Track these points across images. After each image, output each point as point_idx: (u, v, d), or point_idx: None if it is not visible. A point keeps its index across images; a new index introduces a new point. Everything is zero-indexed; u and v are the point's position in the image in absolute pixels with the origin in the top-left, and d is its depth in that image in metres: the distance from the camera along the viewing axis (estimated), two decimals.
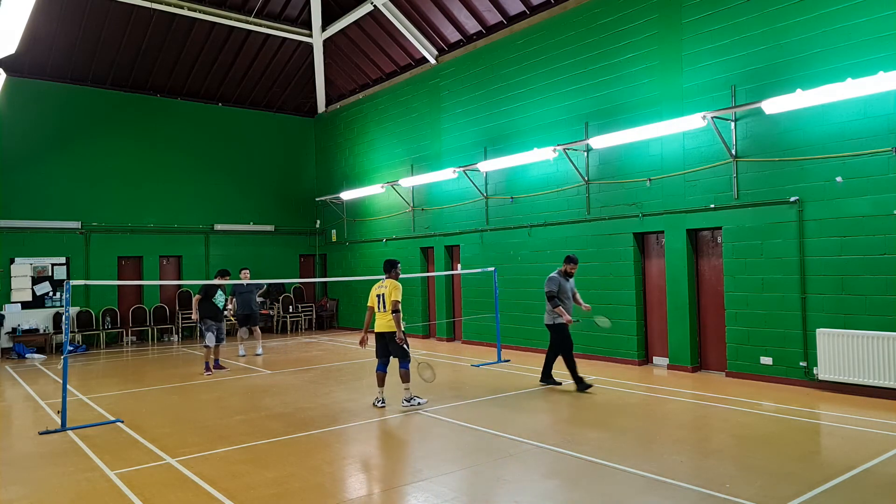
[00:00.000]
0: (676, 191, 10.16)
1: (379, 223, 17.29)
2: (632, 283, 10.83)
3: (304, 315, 18.77)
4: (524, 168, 12.63)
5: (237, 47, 17.14)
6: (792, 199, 8.72)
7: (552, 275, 9.13)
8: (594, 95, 11.38)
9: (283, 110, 19.69)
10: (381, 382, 8.11)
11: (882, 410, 7.24)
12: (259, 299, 13.80)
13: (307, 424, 7.38)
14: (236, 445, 6.56)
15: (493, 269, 12.11)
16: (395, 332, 7.89)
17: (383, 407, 8.04)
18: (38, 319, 15.25)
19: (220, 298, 11.44)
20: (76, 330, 15.44)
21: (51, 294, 15.54)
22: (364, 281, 17.42)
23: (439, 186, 14.88)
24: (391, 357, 8.13)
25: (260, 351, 13.70)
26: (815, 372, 8.45)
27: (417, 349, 13.72)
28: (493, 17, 13.53)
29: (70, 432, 7.28)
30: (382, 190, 16.46)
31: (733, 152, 9.38)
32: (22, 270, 15.22)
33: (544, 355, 9.47)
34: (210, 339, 11.29)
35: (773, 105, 8.51)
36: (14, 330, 14.74)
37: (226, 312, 11.75)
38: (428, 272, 15.41)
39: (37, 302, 15.33)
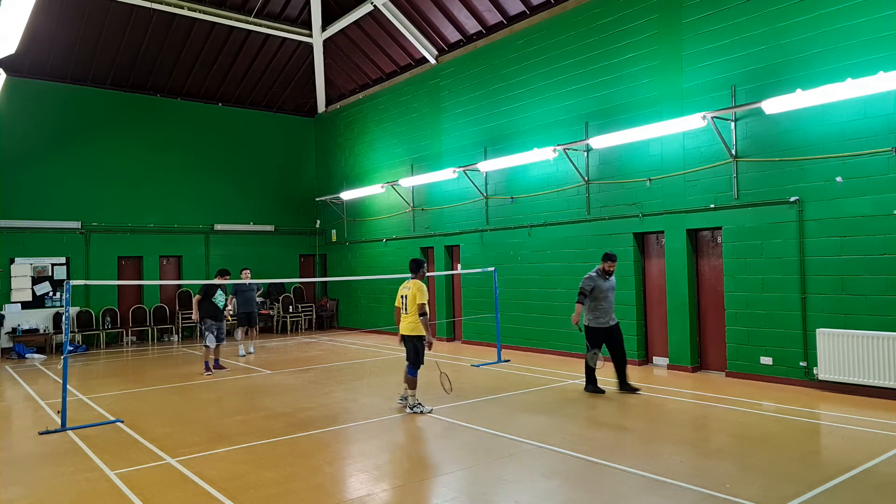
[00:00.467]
0: (676, 191, 10.16)
1: (379, 223, 17.29)
2: (632, 283, 10.83)
3: (304, 315, 18.78)
4: (524, 168, 12.63)
5: (237, 47, 17.14)
6: (792, 199, 8.72)
7: (590, 273, 8.74)
8: (594, 95, 11.38)
9: (283, 110, 19.69)
10: (411, 386, 7.98)
11: (882, 410, 7.24)
12: (259, 299, 13.88)
13: (307, 424, 7.38)
14: (236, 445, 6.56)
15: (493, 269, 12.11)
16: (415, 335, 7.75)
17: (401, 404, 7.98)
18: (38, 319, 15.25)
19: (220, 298, 11.44)
20: (76, 330, 15.44)
21: (51, 294, 15.54)
22: (364, 281, 17.46)
23: (439, 186, 14.89)
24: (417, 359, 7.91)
25: (252, 350, 13.75)
26: (815, 372, 8.45)
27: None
28: (493, 17, 13.53)
29: (70, 432, 7.28)
30: (382, 190, 16.46)
31: (733, 152, 9.38)
32: (22, 270, 15.22)
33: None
34: (210, 339, 11.29)
35: (773, 105, 8.51)
36: (14, 330, 14.74)
37: (226, 312, 11.77)
38: (428, 272, 15.39)
39: (37, 302, 15.33)
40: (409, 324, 7.79)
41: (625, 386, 8.64)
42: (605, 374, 8.96)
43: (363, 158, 17.97)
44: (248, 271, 13.82)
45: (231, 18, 16.20)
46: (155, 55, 16.45)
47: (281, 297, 18.50)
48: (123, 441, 6.88)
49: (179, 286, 17.20)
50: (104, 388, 10.11)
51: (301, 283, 19.52)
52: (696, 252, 10.26)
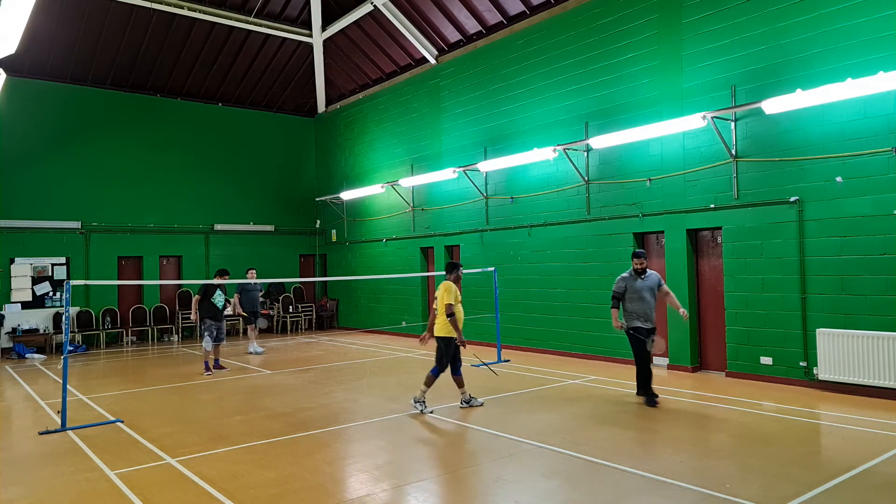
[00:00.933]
0: (676, 191, 10.16)
1: (379, 223, 17.29)
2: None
3: (304, 315, 18.77)
4: (524, 168, 12.63)
5: (237, 47, 17.14)
6: (792, 199, 8.72)
7: (622, 274, 8.14)
8: (594, 95, 11.38)
9: (283, 110, 19.69)
10: (459, 385, 8.03)
11: (882, 410, 7.24)
12: (260, 299, 14.04)
13: (307, 424, 7.38)
14: (236, 445, 6.55)
15: (493, 269, 12.11)
16: (443, 336, 7.77)
17: (465, 407, 7.95)
18: (38, 319, 15.25)
19: (219, 298, 11.44)
20: (76, 330, 15.44)
21: (51, 294, 15.54)
22: (364, 281, 17.46)
23: (439, 186, 14.88)
24: (454, 360, 7.92)
25: (261, 349, 13.87)
26: (815, 372, 8.45)
27: (418, 349, 13.72)
28: (493, 17, 13.53)
29: (70, 432, 7.28)
30: (382, 190, 16.45)
31: (733, 152, 9.38)
32: (22, 270, 15.22)
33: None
34: (206, 341, 11.28)
35: (773, 105, 8.51)
36: (14, 330, 14.74)
37: (226, 312, 11.79)
38: (428, 272, 15.41)
39: (37, 302, 15.33)
40: (440, 324, 7.88)
41: (644, 392, 7.99)
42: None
43: (363, 158, 17.97)
44: (254, 271, 13.93)
45: (231, 18, 16.20)
46: (155, 55, 16.45)
47: (281, 297, 18.50)
48: (123, 441, 6.88)
49: (179, 286, 17.20)
50: (104, 388, 10.11)
51: (301, 283, 19.52)
52: (696, 252, 10.26)
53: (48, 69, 15.67)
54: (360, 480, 5.45)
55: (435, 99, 15.22)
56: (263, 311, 14.67)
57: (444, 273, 8.38)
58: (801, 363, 8.65)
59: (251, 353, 13.62)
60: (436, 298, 8.02)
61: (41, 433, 7.26)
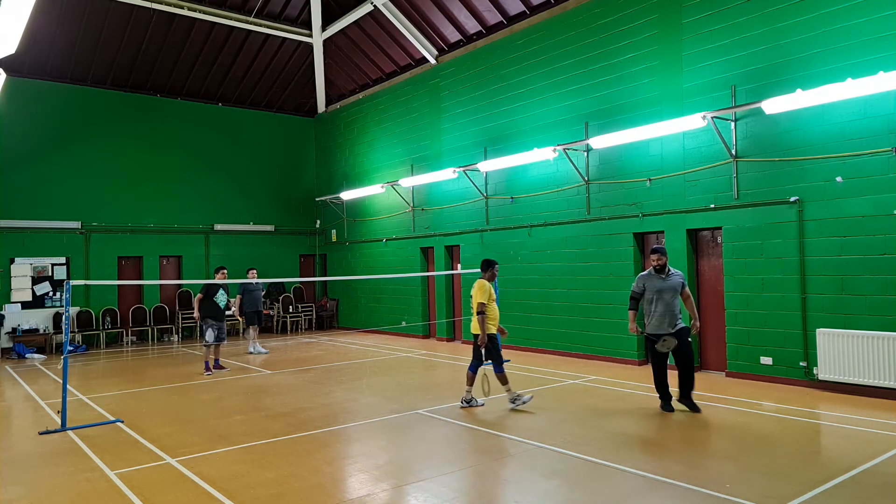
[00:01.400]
0: (676, 191, 10.16)
1: (379, 223, 17.29)
2: (632, 283, 10.78)
3: (304, 315, 18.78)
4: (524, 168, 12.63)
5: (237, 47, 17.14)
6: (792, 199, 8.72)
7: (641, 273, 7.79)
8: (594, 95, 11.38)
9: (283, 110, 19.69)
10: (469, 382, 8.08)
11: (882, 410, 7.24)
12: (262, 299, 14.10)
13: (307, 424, 7.38)
14: (236, 445, 6.55)
15: None
16: (476, 334, 7.94)
17: (465, 407, 7.96)
18: (38, 319, 15.25)
19: (221, 298, 11.45)
20: (76, 330, 15.44)
21: (51, 294, 15.54)
22: (364, 281, 17.46)
23: (439, 186, 14.88)
24: (483, 358, 8.04)
25: (263, 350, 13.87)
26: (815, 372, 8.45)
27: (418, 349, 13.72)
28: (493, 17, 13.53)
29: (70, 432, 7.28)
30: (382, 190, 16.45)
31: (733, 152, 9.38)
32: (22, 270, 15.22)
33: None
34: (209, 334, 11.29)
35: (773, 105, 8.51)
36: (14, 330, 14.74)
37: (229, 312, 11.81)
38: (428, 272, 15.41)
39: (37, 302, 15.33)
40: (474, 322, 8.05)
41: (685, 400, 7.50)
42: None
43: (363, 158, 17.97)
44: (255, 271, 13.94)
45: (231, 18, 16.20)
46: (155, 55, 16.45)
47: (281, 297, 18.50)
48: (123, 441, 6.88)
49: (179, 286, 17.20)
50: (104, 388, 10.11)
51: (301, 283, 19.52)
52: (696, 252, 10.26)
53: (48, 69, 15.67)
54: (360, 480, 5.45)
55: (435, 99, 15.22)
56: (264, 312, 14.71)
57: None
58: (801, 363, 8.65)
59: (251, 353, 13.63)
60: (471, 297, 8.12)
61: (41, 433, 7.25)
